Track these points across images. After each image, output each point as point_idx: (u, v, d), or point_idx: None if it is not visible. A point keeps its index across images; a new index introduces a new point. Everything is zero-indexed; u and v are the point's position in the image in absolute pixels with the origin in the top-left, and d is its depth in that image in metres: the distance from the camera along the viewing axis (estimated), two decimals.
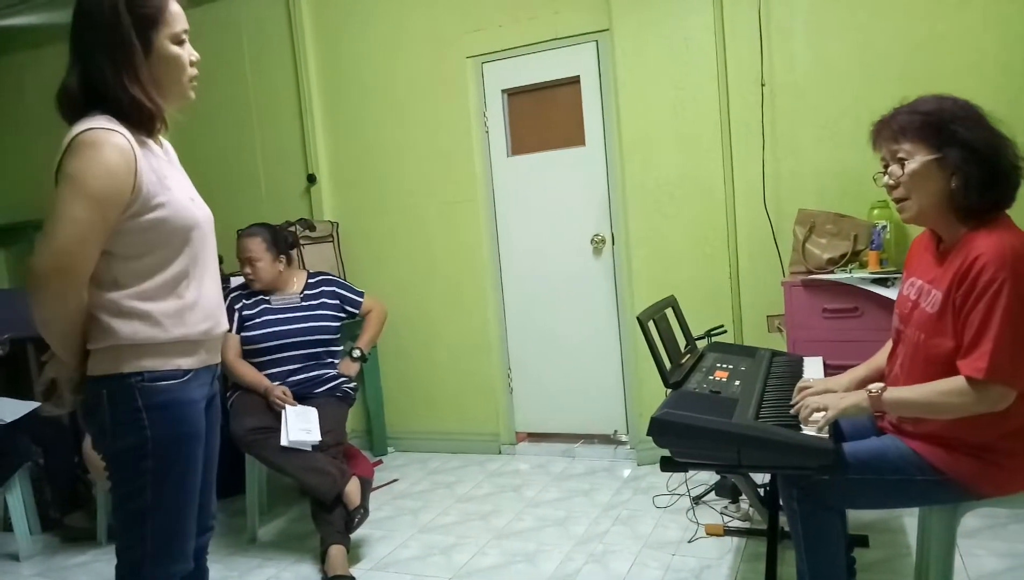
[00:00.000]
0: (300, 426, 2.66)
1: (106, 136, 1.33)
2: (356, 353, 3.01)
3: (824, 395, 1.67)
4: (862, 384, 1.83)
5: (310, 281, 3.10)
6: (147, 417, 1.40)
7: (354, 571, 2.53)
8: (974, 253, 1.49)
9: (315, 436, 2.65)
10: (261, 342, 2.90)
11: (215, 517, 1.67)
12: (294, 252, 3.14)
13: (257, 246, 2.98)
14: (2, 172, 4.70)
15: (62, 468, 3.10)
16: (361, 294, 3.16)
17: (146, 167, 1.37)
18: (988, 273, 1.45)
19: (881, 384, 1.57)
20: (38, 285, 1.33)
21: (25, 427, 2.92)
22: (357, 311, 3.12)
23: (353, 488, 2.64)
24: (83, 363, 1.42)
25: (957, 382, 1.48)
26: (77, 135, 1.33)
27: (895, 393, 1.57)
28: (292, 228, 3.54)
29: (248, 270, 2.98)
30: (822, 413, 1.60)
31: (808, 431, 1.60)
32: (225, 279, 3.20)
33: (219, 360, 1.59)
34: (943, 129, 1.54)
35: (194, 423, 1.47)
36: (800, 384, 1.85)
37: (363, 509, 2.63)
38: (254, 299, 3.00)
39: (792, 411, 1.68)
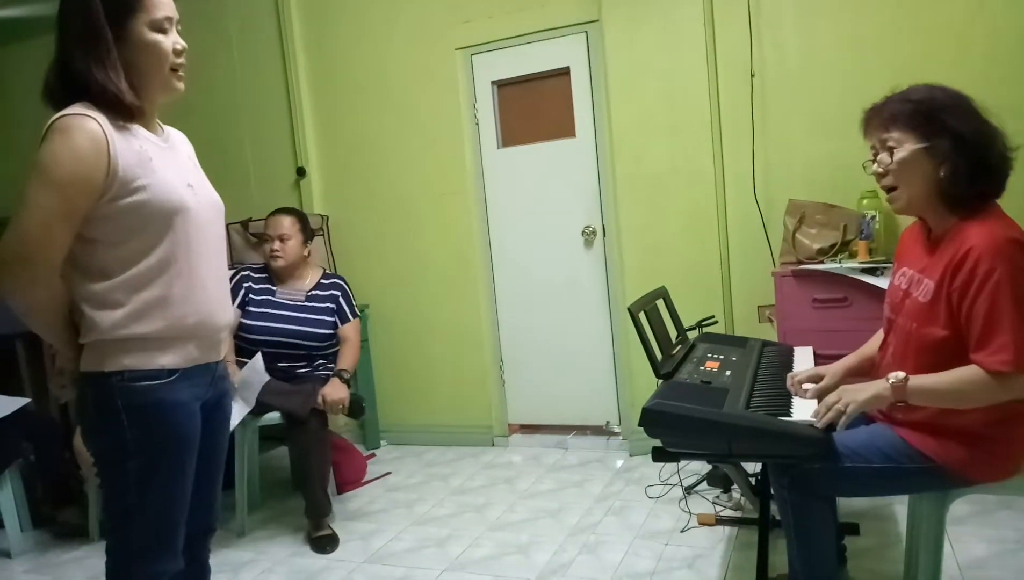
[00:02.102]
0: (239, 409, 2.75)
1: (76, 121, 1.31)
2: (346, 375, 2.92)
3: (840, 391, 1.60)
4: (852, 373, 1.84)
5: (323, 281, 3.09)
6: (127, 418, 1.38)
7: (348, 563, 2.54)
8: (967, 244, 1.49)
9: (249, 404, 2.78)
10: (256, 334, 2.91)
11: (219, 518, 1.66)
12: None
13: (291, 225, 3.03)
14: None
15: (53, 464, 3.08)
16: (356, 315, 3.11)
17: (124, 150, 1.34)
18: (985, 264, 1.45)
19: (902, 373, 1.52)
20: (1, 274, 1.32)
21: (16, 423, 2.90)
22: (340, 325, 3.05)
23: (331, 389, 2.80)
24: (79, 357, 1.41)
25: (980, 373, 1.46)
26: (51, 123, 1.33)
27: (920, 381, 1.52)
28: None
29: (277, 246, 2.98)
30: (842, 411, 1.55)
31: (808, 420, 1.61)
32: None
33: (219, 358, 1.54)
34: (933, 118, 1.54)
35: (180, 426, 1.43)
36: (791, 374, 1.86)
37: (356, 403, 2.87)
38: (261, 286, 3.00)
39: (819, 422, 1.58)
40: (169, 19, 1.41)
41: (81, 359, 1.41)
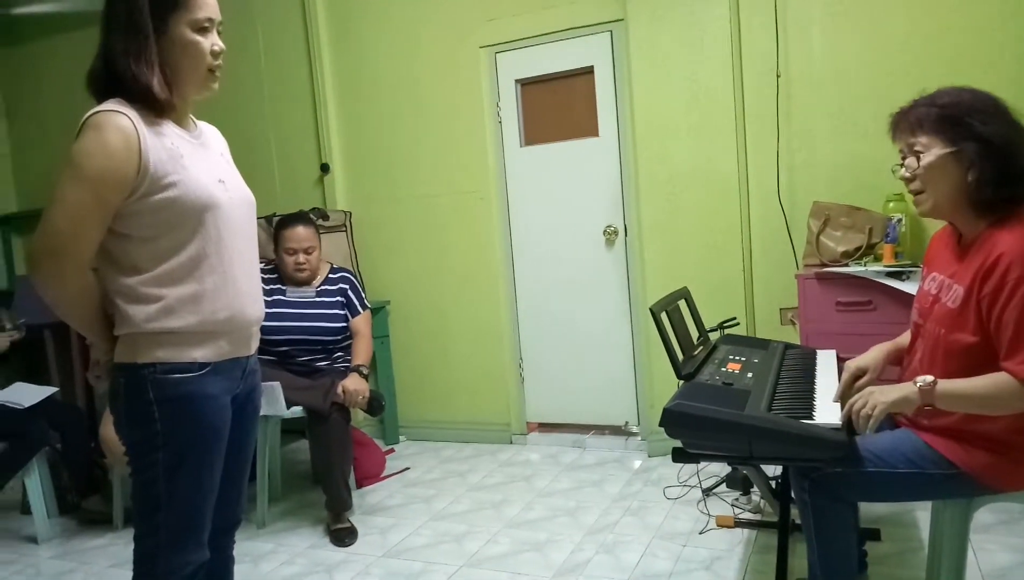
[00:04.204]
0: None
1: (108, 118, 1.33)
2: (365, 370, 2.90)
3: (866, 393, 1.57)
4: (890, 360, 1.82)
5: (331, 276, 3.10)
6: (158, 411, 1.39)
7: (367, 557, 2.57)
8: (997, 250, 1.47)
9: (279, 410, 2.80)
10: (270, 334, 2.90)
11: (244, 510, 1.68)
12: None
13: (312, 235, 3.01)
14: (22, 160, 4.75)
15: (79, 453, 3.14)
16: (365, 307, 3.11)
17: (155, 146, 1.36)
18: (1016, 271, 1.43)
19: (930, 377, 1.50)
20: (33, 267, 1.34)
21: (43, 412, 2.96)
22: (351, 318, 3.05)
23: (350, 381, 2.79)
24: (113, 349, 1.44)
25: (1010, 381, 1.44)
26: (85, 119, 1.35)
27: (948, 386, 1.50)
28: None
29: (303, 260, 2.97)
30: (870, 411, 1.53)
31: (820, 422, 1.60)
32: None
33: (250, 352, 1.55)
34: (960, 123, 1.52)
35: (210, 419, 1.45)
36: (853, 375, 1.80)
37: (375, 400, 2.85)
38: (272, 286, 3.01)
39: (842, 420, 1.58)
40: (211, 20, 1.43)
41: (115, 350, 1.43)
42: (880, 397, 1.54)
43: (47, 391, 3.04)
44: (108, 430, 2.74)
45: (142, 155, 1.34)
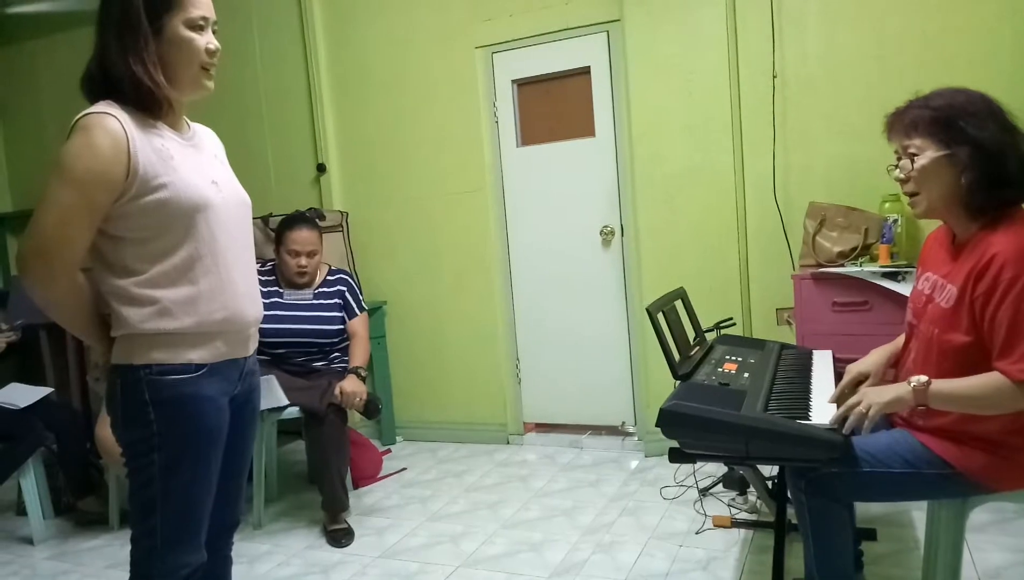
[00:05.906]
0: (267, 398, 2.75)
1: (97, 120, 1.33)
2: (363, 373, 2.90)
3: (860, 394, 1.58)
4: (891, 360, 1.82)
5: (329, 278, 3.09)
6: (154, 412, 1.39)
7: (363, 558, 2.56)
8: (991, 251, 1.48)
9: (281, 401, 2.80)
10: (267, 336, 2.86)
11: (243, 511, 1.68)
12: None
13: (317, 239, 2.99)
14: (17, 160, 4.74)
15: (75, 453, 3.13)
16: (363, 309, 3.11)
17: (145, 148, 1.35)
18: (1009, 271, 1.44)
19: (924, 377, 1.51)
20: (23, 268, 1.34)
21: (38, 413, 2.95)
22: (348, 320, 3.05)
23: (348, 383, 2.77)
24: (110, 350, 1.43)
25: (1003, 381, 1.45)
26: (74, 122, 1.34)
27: (942, 386, 1.51)
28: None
29: (305, 263, 2.95)
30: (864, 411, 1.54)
31: (817, 422, 1.60)
32: None
33: (248, 353, 1.55)
34: (953, 125, 1.52)
35: (207, 420, 1.44)
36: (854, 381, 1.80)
37: (372, 403, 2.84)
38: (269, 288, 3.00)
39: (845, 428, 1.57)
40: (205, 19, 1.43)
41: (112, 351, 1.43)
42: (875, 398, 1.54)
43: (42, 391, 3.04)
44: (104, 430, 2.73)
45: (131, 157, 1.33)
